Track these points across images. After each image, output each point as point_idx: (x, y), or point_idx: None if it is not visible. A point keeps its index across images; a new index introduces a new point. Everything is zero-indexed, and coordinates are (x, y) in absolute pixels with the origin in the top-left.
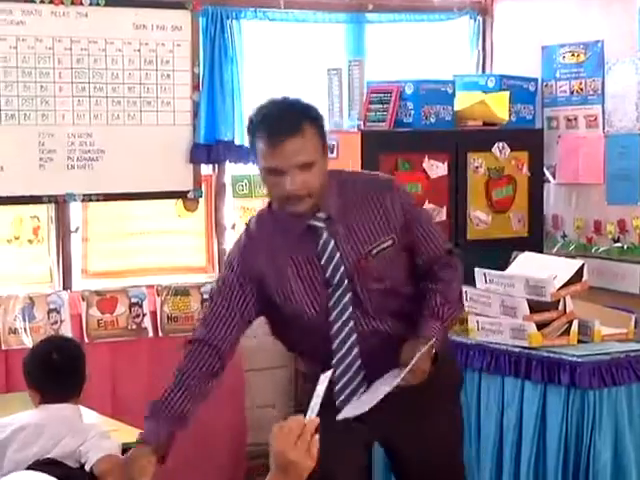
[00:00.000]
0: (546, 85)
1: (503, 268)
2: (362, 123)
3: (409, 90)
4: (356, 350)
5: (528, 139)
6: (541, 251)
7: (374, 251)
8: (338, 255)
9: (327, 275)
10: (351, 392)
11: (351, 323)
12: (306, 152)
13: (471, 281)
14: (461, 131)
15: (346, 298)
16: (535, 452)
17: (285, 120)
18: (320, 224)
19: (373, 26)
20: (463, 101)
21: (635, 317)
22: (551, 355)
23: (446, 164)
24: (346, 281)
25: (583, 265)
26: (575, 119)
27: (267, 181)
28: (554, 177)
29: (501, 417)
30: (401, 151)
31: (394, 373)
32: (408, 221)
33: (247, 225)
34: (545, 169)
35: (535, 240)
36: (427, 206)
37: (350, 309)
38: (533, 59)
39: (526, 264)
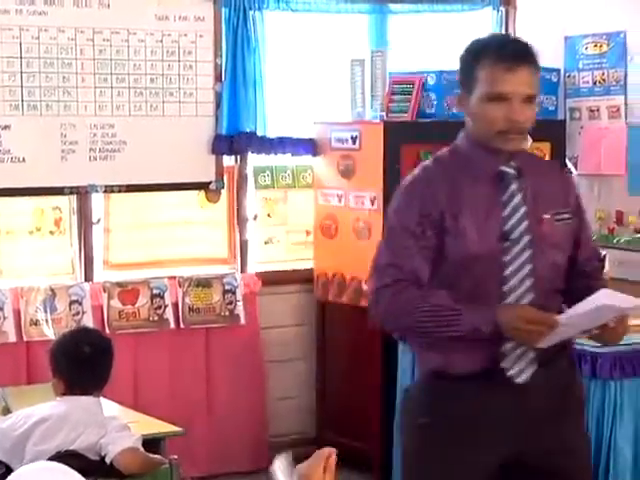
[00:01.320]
0: (569, 76)
1: None
2: (385, 114)
3: (432, 81)
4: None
5: (550, 130)
6: None
7: (557, 216)
8: (523, 209)
9: (506, 228)
10: (520, 354)
11: (528, 282)
12: (533, 84)
13: None
14: None
15: (526, 255)
16: None
17: (520, 46)
18: (512, 171)
19: (396, 17)
20: None
21: None
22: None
23: None
24: (527, 237)
25: (605, 256)
26: (597, 110)
27: (485, 109)
28: (576, 168)
29: None
30: (424, 142)
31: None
32: (579, 207)
33: (423, 165)
34: (567, 160)
35: None
36: None
37: (530, 266)
38: (556, 50)
39: None
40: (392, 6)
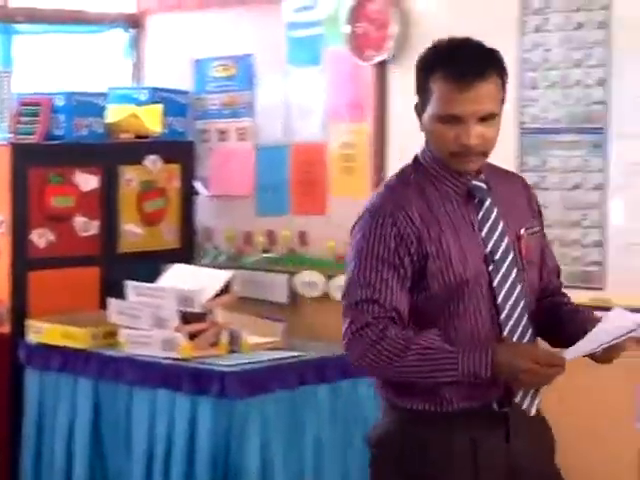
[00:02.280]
0: (198, 98)
1: (156, 280)
2: (12, 136)
3: (60, 102)
4: (530, 332)
5: (180, 152)
6: (193, 263)
7: (529, 231)
8: (502, 225)
9: (488, 249)
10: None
11: (521, 307)
12: (492, 101)
13: (122, 295)
14: (113, 144)
15: (513, 274)
16: (186, 464)
17: (475, 60)
18: (484, 186)
19: (26, 37)
20: (116, 114)
21: (284, 326)
22: (201, 366)
23: (98, 177)
24: (512, 254)
25: (233, 276)
26: (226, 132)
27: (436, 130)
28: (206, 189)
29: (152, 430)
30: (52, 164)
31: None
32: (541, 219)
33: (387, 185)
34: (197, 181)
35: (187, 252)
36: (79, 219)
37: (519, 288)
38: (186, 72)
39: (177, 276)
40: (18, 26)
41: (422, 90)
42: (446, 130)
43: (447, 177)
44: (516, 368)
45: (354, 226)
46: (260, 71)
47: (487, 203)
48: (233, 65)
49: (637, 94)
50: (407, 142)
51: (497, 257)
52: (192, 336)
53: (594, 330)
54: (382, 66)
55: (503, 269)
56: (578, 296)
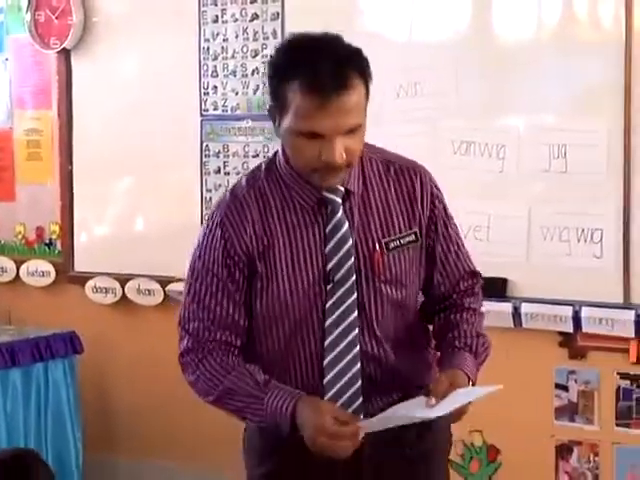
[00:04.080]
0: None
1: None
2: None
3: None
4: (357, 367)
5: None
6: None
7: (392, 244)
8: (350, 242)
9: (330, 266)
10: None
11: (356, 330)
12: (356, 113)
13: None
14: None
15: (350, 299)
16: None
17: (336, 69)
18: (337, 199)
19: None
20: None
21: None
22: None
23: None
24: (354, 277)
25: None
26: None
27: (295, 144)
28: None
29: None
30: None
31: (419, 402)
32: (435, 217)
33: (234, 188)
34: None
35: None
36: None
37: (355, 313)
38: None
39: None
40: None
41: (276, 97)
42: (307, 146)
43: (297, 186)
44: (312, 440)
45: None
46: None
47: (337, 216)
48: None
49: None
50: (92, 127)
51: (337, 277)
52: None
53: (393, 408)
54: (66, 54)
55: (340, 292)
56: None
